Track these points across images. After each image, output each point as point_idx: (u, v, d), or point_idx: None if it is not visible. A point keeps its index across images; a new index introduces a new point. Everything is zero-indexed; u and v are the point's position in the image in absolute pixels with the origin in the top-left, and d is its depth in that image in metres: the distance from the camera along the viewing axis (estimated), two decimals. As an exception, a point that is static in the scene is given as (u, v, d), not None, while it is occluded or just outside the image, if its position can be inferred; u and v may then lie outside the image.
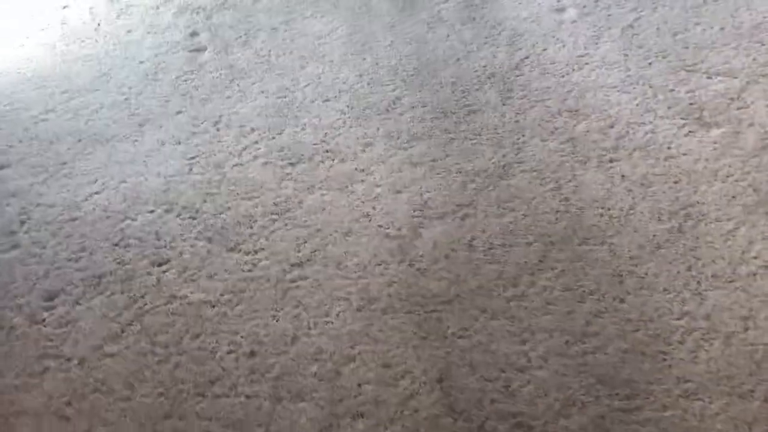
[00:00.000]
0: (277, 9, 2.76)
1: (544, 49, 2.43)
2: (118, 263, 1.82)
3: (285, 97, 2.33)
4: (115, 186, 2.05)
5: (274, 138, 2.18)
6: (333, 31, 2.62)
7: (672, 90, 2.20)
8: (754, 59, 2.27)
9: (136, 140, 2.21)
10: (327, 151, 2.12)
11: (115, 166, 2.11)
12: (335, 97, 2.32)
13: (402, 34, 2.56)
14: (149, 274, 1.79)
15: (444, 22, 2.61)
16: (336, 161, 2.08)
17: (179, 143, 2.17)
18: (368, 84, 2.36)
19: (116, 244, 1.87)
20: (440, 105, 2.25)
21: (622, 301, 1.64)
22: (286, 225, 1.89)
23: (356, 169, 2.05)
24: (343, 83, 2.37)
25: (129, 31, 2.70)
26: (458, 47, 2.48)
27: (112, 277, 1.78)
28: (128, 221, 1.93)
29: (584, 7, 2.61)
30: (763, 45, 2.32)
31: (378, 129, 2.17)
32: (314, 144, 2.15)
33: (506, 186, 1.95)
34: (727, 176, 1.89)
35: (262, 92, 2.36)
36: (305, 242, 1.84)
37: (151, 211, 1.96)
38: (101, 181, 2.05)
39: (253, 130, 2.22)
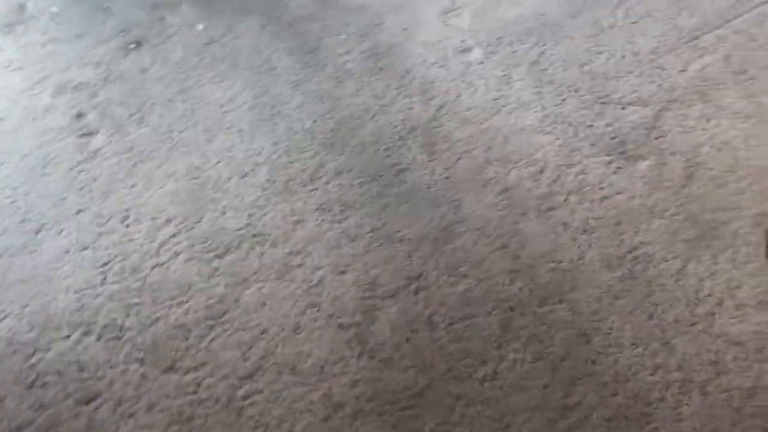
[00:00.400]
0: (170, 77, 2.55)
1: (458, 96, 2.38)
2: (37, 409, 1.57)
3: (197, 178, 2.14)
4: (18, 312, 1.78)
5: (192, 228, 1.98)
6: (236, 96, 2.45)
7: (591, 125, 2.20)
8: (659, 85, 2.32)
9: (33, 251, 1.94)
10: (255, 236, 1.95)
11: (12, 287, 1.84)
12: (252, 171, 2.15)
13: (311, 92, 2.43)
14: (77, 416, 1.55)
15: (351, 75, 2.50)
16: (267, 246, 1.92)
17: (86, 248, 1.93)
18: (286, 152, 2.21)
19: (31, 385, 1.61)
20: (366, 168, 2.14)
21: (594, 363, 1.59)
22: (225, 330, 1.71)
23: (290, 252, 1.90)
24: (258, 154, 2.21)
25: (1, 120, 2.40)
26: (371, 102, 2.38)
27: (32, 429, 1.53)
28: (40, 353, 1.68)
29: (488, 45, 2.58)
30: (664, 70, 2.37)
31: (306, 202, 2.03)
32: (239, 229, 1.98)
33: (453, 250, 1.86)
34: (663, 211, 1.90)
35: (170, 175, 2.16)
36: (251, 348, 1.67)
37: (67, 337, 1.72)
38: (-1, 309, 1.78)
39: (168, 221, 2.01)
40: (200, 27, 2.76)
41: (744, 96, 2.23)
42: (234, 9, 2.89)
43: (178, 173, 2.16)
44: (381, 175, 2.12)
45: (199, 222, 2.00)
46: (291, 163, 2.17)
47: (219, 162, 2.19)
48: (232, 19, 2.85)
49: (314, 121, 2.32)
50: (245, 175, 2.14)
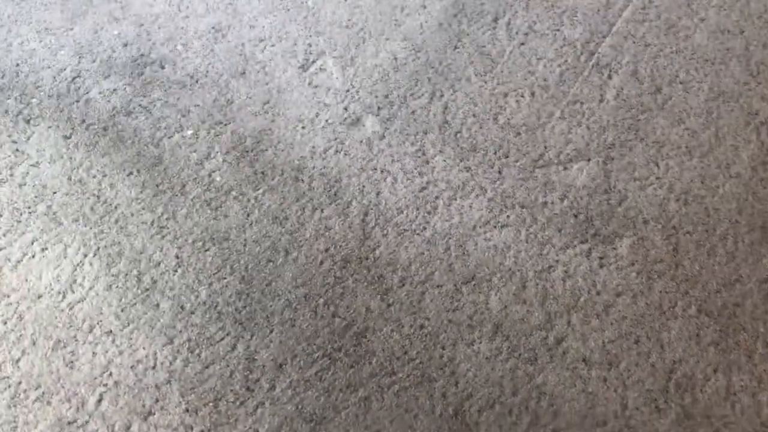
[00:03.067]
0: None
1: (378, 194, 1.85)
2: None
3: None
4: None
5: None
6: (79, 266, 1.68)
7: (545, 203, 1.83)
8: (588, 128, 2.01)
9: None
10: None
11: None
12: (155, 403, 1.47)
13: (184, 237, 1.74)
14: None
15: (228, 193, 1.85)
16: None
17: None
18: (190, 353, 1.54)
19: None
20: (312, 343, 1.56)
21: None
22: None
23: None
24: (152, 371, 1.52)
25: None
26: (274, 233, 1.76)
27: None
28: None
29: (379, 109, 2.06)
30: (583, 104, 2.06)
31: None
32: None
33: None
34: (673, 307, 1.63)
35: None
36: None
37: None
38: None
39: None
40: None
41: (673, 122, 2.02)
42: (16, 116, 2.00)
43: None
44: (338, 350, 1.56)
45: None
46: (206, 369, 1.51)
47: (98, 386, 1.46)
48: (15, 130, 1.96)
49: (210, 286, 1.65)
50: (147, 416, 1.45)
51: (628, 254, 1.75)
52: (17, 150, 1.89)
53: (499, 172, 1.92)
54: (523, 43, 2.29)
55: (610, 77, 2.18)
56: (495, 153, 1.97)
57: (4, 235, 1.71)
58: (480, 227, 1.80)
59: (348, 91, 2.12)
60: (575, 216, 1.83)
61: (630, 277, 1.71)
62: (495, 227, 1.80)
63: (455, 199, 1.86)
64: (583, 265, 1.73)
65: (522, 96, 2.12)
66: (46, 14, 2.32)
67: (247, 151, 1.95)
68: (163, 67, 2.16)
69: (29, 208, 1.77)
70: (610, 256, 1.75)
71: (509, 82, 2.16)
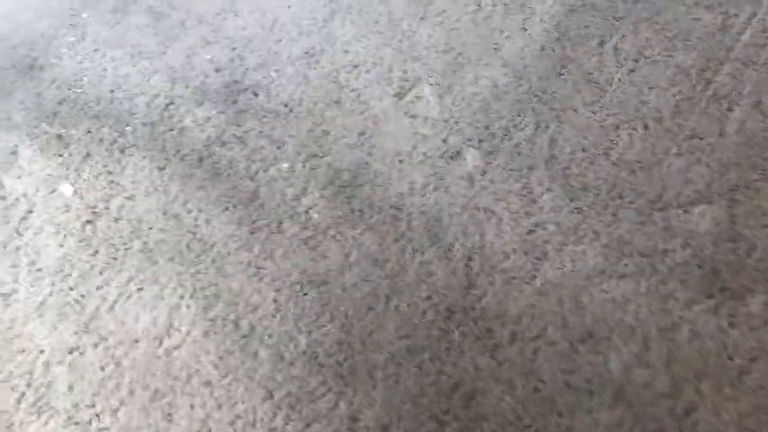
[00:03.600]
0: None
1: (482, 236, 1.73)
2: None
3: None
4: None
5: None
6: (176, 309, 1.62)
7: (666, 251, 1.68)
8: (707, 165, 1.84)
9: None
10: None
11: None
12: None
13: (281, 279, 1.67)
14: None
15: (325, 231, 1.76)
16: None
17: None
18: (290, 409, 1.46)
19: None
20: (420, 406, 1.46)
21: None
22: None
23: None
24: (253, 418, 1.45)
25: None
26: (374, 275, 1.67)
27: None
28: None
29: (480, 141, 1.94)
30: (702, 140, 1.88)
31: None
32: None
33: None
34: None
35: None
36: None
37: None
38: None
39: None
40: (67, 190, 1.83)
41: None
42: (111, 144, 1.97)
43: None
44: (446, 412, 1.45)
45: None
46: (307, 427, 1.43)
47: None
48: (111, 160, 1.93)
49: (310, 334, 1.57)
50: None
51: (761, 313, 1.59)
52: (112, 182, 1.86)
53: (614, 215, 1.78)
54: (632, 70, 2.13)
55: (730, 109, 2.00)
56: (608, 193, 1.83)
57: (101, 273, 1.66)
58: (595, 277, 1.66)
59: (446, 121, 2.01)
60: (699, 267, 1.67)
61: (765, 339, 1.55)
62: (612, 277, 1.66)
63: (566, 245, 1.72)
64: (711, 324, 1.57)
65: (635, 129, 1.97)
66: (140, 37, 2.29)
67: (344, 187, 1.86)
68: (256, 95, 2.09)
69: (125, 244, 1.72)
70: (740, 314, 1.59)
71: (620, 113, 2.01)
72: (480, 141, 1.97)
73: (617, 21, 2.28)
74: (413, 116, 2.05)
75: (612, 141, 1.96)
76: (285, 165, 1.90)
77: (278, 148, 1.96)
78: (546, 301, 1.64)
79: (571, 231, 1.76)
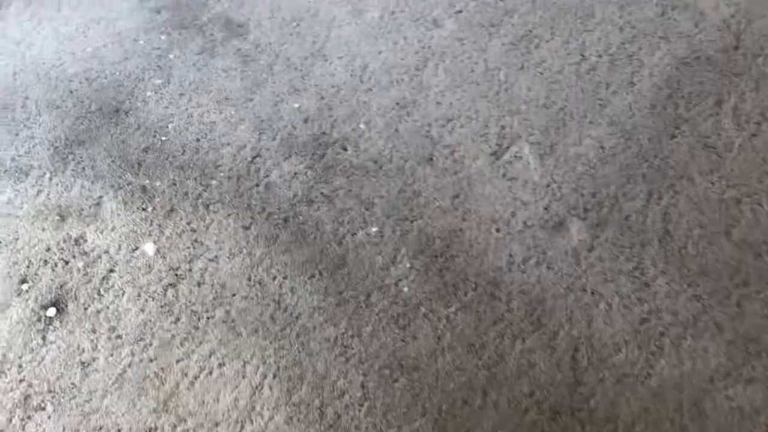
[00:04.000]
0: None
1: (589, 323, 1.57)
2: None
3: None
4: None
5: None
6: (258, 390, 1.51)
7: None
8: None
9: None
10: None
11: None
12: None
13: (369, 361, 1.57)
14: None
15: (416, 309, 1.63)
16: None
17: None
18: None
19: None
20: None
21: None
22: None
23: None
24: None
25: None
26: (469, 363, 1.53)
27: None
28: None
29: (585, 211, 1.78)
30: None
31: None
32: None
33: None
34: None
35: None
36: None
37: None
38: None
39: None
40: (149, 249, 1.75)
41: None
42: (195, 199, 1.89)
43: None
44: None
45: None
46: None
47: None
48: (195, 216, 1.85)
49: (400, 429, 1.43)
50: None
51: None
52: (196, 240, 1.78)
53: (738, 306, 1.59)
54: (755, 135, 1.93)
55: None
56: (731, 279, 1.64)
57: (182, 344, 1.58)
58: (719, 380, 1.48)
59: (548, 186, 1.86)
60: None
61: None
62: (738, 382, 1.47)
63: (685, 338, 1.54)
64: None
65: (759, 204, 1.77)
66: (227, 82, 2.22)
67: (436, 256, 1.72)
68: (345, 149, 1.99)
69: (207, 312, 1.63)
70: None
71: (742, 185, 1.81)
72: (585, 210, 1.80)
73: (736, 77, 2.08)
74: (512, 178, 1.90)
75: (733, 217, 1.76)
76: (374, 229, 1.78)
77: (367, 209, 1.84)
78: (663, 406, 1.46)
79: (690, 323, 1.58)
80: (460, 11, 2.36)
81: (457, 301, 1.66)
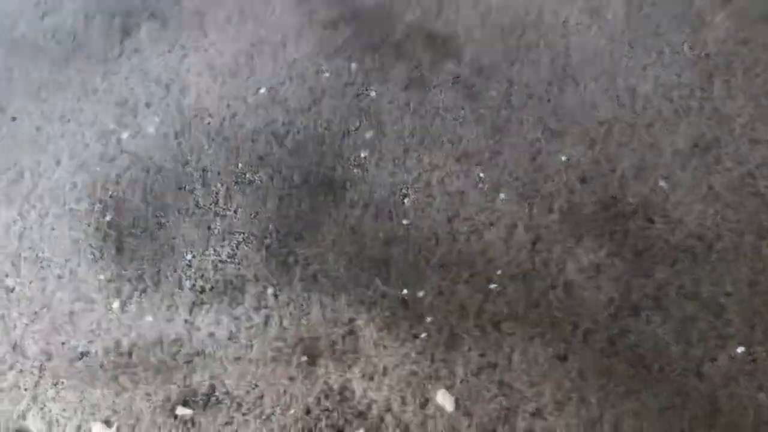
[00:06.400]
0: None
1: None
2: None
3: None
4: None
5: None
6: None
7: None
8: None
9: None
10: None
11: None
12: None
13: None
14: None
15: None
16: None
17: None
18: None
19: None
20: None
21: None
22: None
23: None
24: None
25: None
26: None
27: None
28: None
29: None
30: None
31: None
32: None
33: None
34: None
35: None
36: None
37: None
38: None
39: None
40: (446, 401, 1.29)
41: None
42: (479, 315, 1.41)
43: None
44: None
45: None
46: None
47: None
48: (486, 343, 1.38)
49: None
50: None
51: None
52: (502, 383, 1.32)
53: None
54: None
55: None
56: None
57: None
58: None
59: None
60: None
61: None
62: None
63: None
64: None
65: None
66: (458, 128, 1.71)
67: None
68: (651, 221, 1.48)
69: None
70: None
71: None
72: None
73: None
74: None
75: None
76: (739, 350, 1.28)
77: (716, 316, 1.33)
78: None
79: None
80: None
81: None
